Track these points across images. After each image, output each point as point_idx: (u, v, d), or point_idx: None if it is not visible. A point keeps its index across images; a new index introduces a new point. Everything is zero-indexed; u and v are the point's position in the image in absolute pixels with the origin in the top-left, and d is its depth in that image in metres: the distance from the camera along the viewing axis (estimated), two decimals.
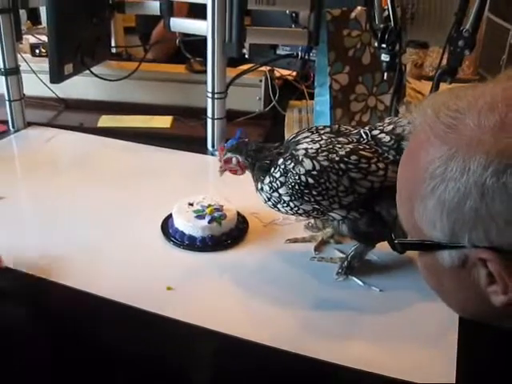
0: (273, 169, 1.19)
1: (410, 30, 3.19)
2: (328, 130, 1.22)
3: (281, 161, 1.18)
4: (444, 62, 1.62)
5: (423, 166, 0.61)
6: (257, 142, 1.28)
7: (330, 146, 1.15)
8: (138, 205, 1.53)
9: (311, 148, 1.15)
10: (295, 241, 1.38)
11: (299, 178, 1.13)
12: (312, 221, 1.42)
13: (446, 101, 0.62)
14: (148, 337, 1.09)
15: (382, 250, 1.29)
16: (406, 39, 2.07)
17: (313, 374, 1.04)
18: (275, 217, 1.45)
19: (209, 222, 1.34)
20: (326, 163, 1.13)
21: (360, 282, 1.24)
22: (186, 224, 1.35)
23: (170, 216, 1.41)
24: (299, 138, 1.21)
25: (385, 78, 1.64)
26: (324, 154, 1.14)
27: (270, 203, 1.22)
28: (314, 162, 1.13)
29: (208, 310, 1.16)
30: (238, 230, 1.40)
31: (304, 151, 1.15)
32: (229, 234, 1.37)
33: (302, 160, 1.14)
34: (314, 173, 1.13)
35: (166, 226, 1.40)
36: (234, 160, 1.26)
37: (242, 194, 1.44)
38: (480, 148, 0.56)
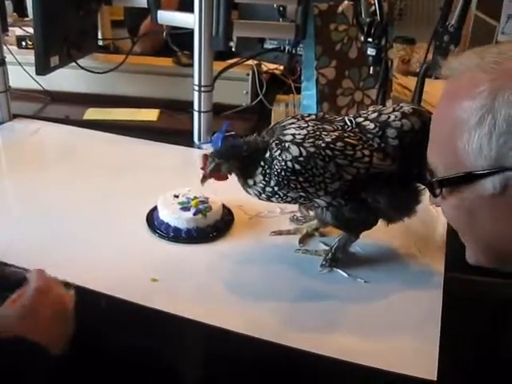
0: (262, 162, 1.17)
1: (398, 26, 3.21)
2: (313, 117, 1.22)
3: (268, 154, 1.17)
4: (430, 57, 1.63)
5: (468, 103, 0.65)
6: (245, 140, 1.23)
7: (317, 133, 1.15)
8: (123, 197, 1.53)
9: (299, 134, 1.15)
10: (280, 233, 1.38)
11: (285, 164, 1.13)
12: (297, 214, 1.43)
13: (487, 48, 0.68)
14: (133, 328, 1.09)
15: (366, 242, 1.30)
16: (393, 34, 2.08)
17: (298, 364, 1.05)
18: (260, 209, 1.46)
19: (194, 214, 1.35)
20: (312, 149, 1.13)
21: (345, 274, 1.24)
22: (171, 216, 1.35)
23: (155, 208, 1.41)
24: (285, 123, 1.20)
25: (371, 72, 1.65)
26: (310, 140, 1.14)
27: (264, 196, 1.21)
28: (301, 148, 1.13)
29: (193, 301, 1.16)
30: (223, 222, 1.40)
31: (291, 137, 1.15)
32: (214, 226, 1.37)
33: (289, 146, 1.14)
34: (301, 159, 1.12)
35: (152, 218, 1.40)
36: (223, 168, 1.22)
37: (227, 186, 1.44)
38: None
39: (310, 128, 1.16)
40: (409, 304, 1.17)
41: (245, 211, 1.46)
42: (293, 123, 1.19)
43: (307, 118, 1.21)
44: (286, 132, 1.17)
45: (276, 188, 1.17)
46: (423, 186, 1.20)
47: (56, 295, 0.91)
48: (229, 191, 1.43)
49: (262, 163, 1.17)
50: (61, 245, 1.32)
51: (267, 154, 1.17)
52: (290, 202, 1.22)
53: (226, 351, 1.06)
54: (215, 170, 1.22)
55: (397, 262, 1.30)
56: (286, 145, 1.14)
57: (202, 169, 1.23)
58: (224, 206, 1.43)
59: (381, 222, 1.24)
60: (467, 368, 1.03)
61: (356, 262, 1.28)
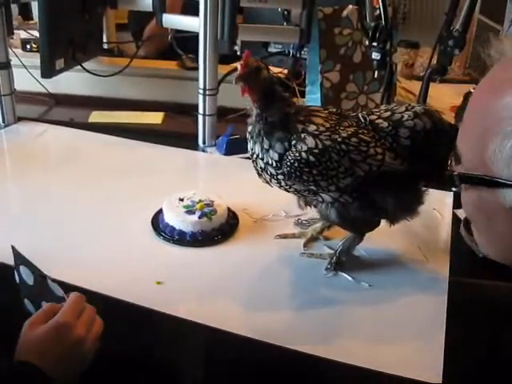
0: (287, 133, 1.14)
1: (402, 30, 3.21)
2: (334, 110, 1.21)
3: (281, 134, 1.13)
4: (434, 61, 1.63)
5: (509, 101, 0.59)
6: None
7: (336, 127, 1.15)
8: (128, 200, 1.53)
9: (322, 126, 1.14)
10: (285, 237, 1.38)
11: (300, 155, 1.11)
12: (302, 217, 1.43)
13: None
14: (137, 330, 1.09)
15: (370, 245, 1.30)
16: (397, 38, 2.09)
17: (302, 367, 1.05)
18: (265, 213, 1.46)
19: (199, 217, 1.35)
20: (328, 143, 1.12)
21: (349, 278, 1.24)
22: (176, 219, 1.35)
23: (160, 211, 1.41)
24: (311, 109, 1.19)
25: (375, 76, 1.65)
26: (327, 133, 1.13)
27: (260, 162, 1.17)
28: (317, 140, 1.12)
29: (197, 304, 1.16)
30: (228, 225, 1.40)
31: (316, 127, 1.13)
32: (219, 230, 1.37)
33: (305, 137, 1.12)
34: (316, 151, 1.11)
35: (157, 221, 1.40)
36: (262, 76, 1.14)
37: (232, 189, 1.45)
38: None
39: (332, 122, 1.16)
40: (413, 308, 1.17)
41: (250, 214, 1.46)
42: (319, 111, 1.18)
43: (331, 110, 1.20)
44: (313, 119, 1.15)
45: (285, 179, 1.15)
46: (426, 187, 1.20)
47: (76, 336, 0.91)
48: (234, 194, 1.44)
49: (288, 134, 1.13)
50: (65, 247, 1.32)
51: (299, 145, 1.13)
52: (291, 193, 1.21)
53: (229, 354, 1.07)
54: (254, 72, 1.14)
55: (401, 266, 1.30)
56: (303, 135, 1.13)
57: (242, 66, 1.14)
58: (229, 210, 1.43)
59: (384, 225, 1.24)
60: (472, 372, 1.03)
61: (360, 266, 1.28)
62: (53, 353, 0.89)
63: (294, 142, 1.13)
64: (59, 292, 0.97)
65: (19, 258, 0.99)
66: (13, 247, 0.99)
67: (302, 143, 1.12)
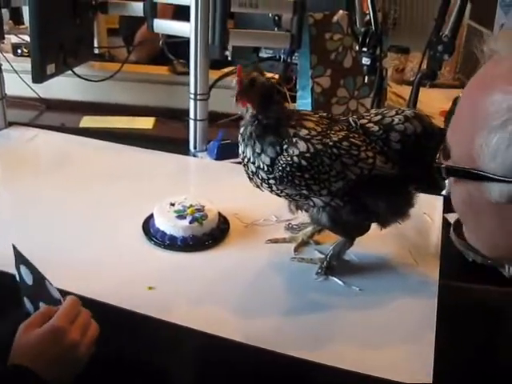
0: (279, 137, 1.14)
1: (392, 36, 3.22)
2: (325, 114, 1.22)
3: (272, 138, 1.14)
4: (424, 66, 1.64)
5: (498, 96, 0.60)
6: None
7: (327, 131, 1.15)
8: (119, 205, 1.53)
9: (314, 130, 1.14)
10: (276, 241, 1.38)
11: (291, 159, 1.12)
12: (293, 222, 1.43)
13: None
14: (128, 335, 1.09)
15: (361, 250, 1.31)
16: (388, 44, 2.10)
17: (293, 372, 1.05)
18: (256, 217, 1.46)
19: (190, 222, 1.35)
20: (319, 146, 1.12)
21: (340, 282, 1.25)
22: (167, 224, 1.35)
23: (151, 216, 1.41)
24: (305, 111, 1.20)
25: (366, 81, 1.66)
26: (318, 137, 1.13)
27: (262, 174, 1.17)
28: (309, 144, 1.12)
29: (188, 309, 1.16)
30: (219, 230, 1.40)
31: (307, 131, 1.14)
32: (210, 235, 1.38)
33: (297, 142, 1.13)
34: (308, 155, 1.12)
35: (148, 226, 1.40)
36: (258, 83, 1.13)
37: (223, 194, 1.45)
38: None
39: (323, 126, 1.16)
40: (404, 311, 1.18)
41: (240, 219, 1.46)
42: (310, 115, 1.19)
43: (321, 115, 1.21)
44: (304, 123, 1.16)
45: (276, 183, 1.15)
46: (416, 190, 1.21)
47: (70, 341, 0.91)
48: (225, 199, 1.44)
49: (280, 138, 1.14)
50: (56, 252, 1.31)
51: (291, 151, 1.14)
52: (283, 197, 1.21)
53: (220, 359, 1.06)
54: (250, 84, 1.13)
55: (392, 270, 1.31)
56: (294, 140, 1.13)
57: (238, 83, 1.14)
58: (220, 214, 1.43)
59: (374, 229, 1.25)
60: (462, 375, 1.03)
61: (351, 270, 1.29)
62: (47, 356, 0.89)
63: (285, 147, 1.13)
64: (56, 294, 0.98)
65: (20, 257, 0.99)
66: (14, 246, 0.99)
67: (293, 147, 1.12)
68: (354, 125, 1.19)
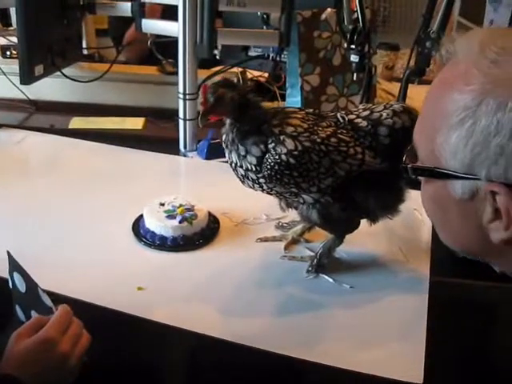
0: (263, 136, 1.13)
1: (383, 33, 3.22)
2: (311, 111, 1.21)
3: (258, 139, 1.14)
4: (413, 63, 1.64)
5: (456, 95, 0.62)
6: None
7: (314, 128, 1.15)
8: (109, 206, 1.53)
9: (300, 127, 1.14)
10: (266, 240, 1.38)
11: (280, 157, 1.11)
12: (283, 220, 1.43)
13: (493, 37, 0.64)
14: (119, 336, 1.09)
15: (351, 247, 1.31)
16: (376, 41, 2.10)
17: (284, 370, 1.05)
18: (246, 216, 1.46)
19: (180, 222, 1.35)
20: (307, 144, 1.12)
21: (330, 280, 1.25)
22: (157, 224, 1.35)
23: (141, 216, 1.41)
24: (288, 110, 1.20)
25: (354, 78, 1.66)
26: (306, 134, 1.13)
27: (251, 175, 1.16)
28: (296, 142, 1.12)
29: (179, 309, 1.16)
30: (209, 229, 1.40)
31: (293, 128, 1.13)
32: (200, 234, 1.37)
33: (284, 140, 1.12)
34: (296, 153, 1.11)
35: (137, 227, 1.40)
36: (226, 99, 1.13)
37: (213, 194, 1.45)
38: None
39: (310, 122, 1.16)
40: (394, 308, 1.18)
41: (230, 218, 1.46)
42: (295, 112, 1.19)
43: (306, 111, 1.20)
44: (289, 121, 1.15)
45: (266, 182, 1.15)
46: (407, 185, 1.21)
47: (61, 352, 0.90)
48: (214, 198, 1.44)
49: (262, 137, 1.14)
50: (46, 254, 1.31)
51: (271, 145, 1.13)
52: (274, 195, 1.21)
53: (211, 358, 1.06)
54: (216, 102, 1.13)
55: (382, 267, 1.31)
56: (281, 138, 1.12)
57: (203, 104, 1.16)
58: (210, 214, 1.43)
59: (364, 226, 1.25)
60: (453, 371, 1.04)
61: (341, 268, 1.29)
62: (37, 367, 0.89)
63: (272, 145, 1.12)
64: (48, 303, 0.97)
65: (14, 264, 0.99)
66: (8, 253, 0.99)
67: (281, 146, 1.12)
68: (342, 120, 1.18)
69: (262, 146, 1.13)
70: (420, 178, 0.73)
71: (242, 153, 1.15)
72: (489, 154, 0.60)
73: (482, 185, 0.62)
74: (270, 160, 1.12)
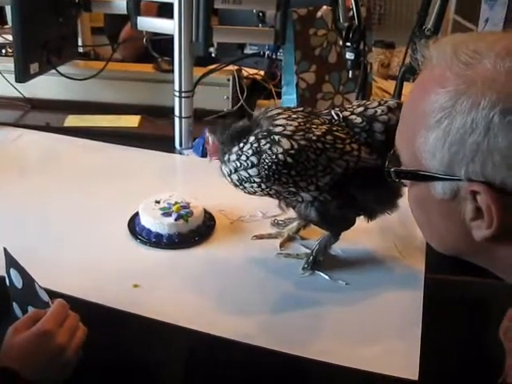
0: (242, 144, 1.16)
1: (379, 31, 3.22)
2: (300, 109, 1.21)
3: (252, 138, 1.15)
4: (408, 60, 1.65)
5: (432, 97, 0.64)
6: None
7: (308, 125, 1.15)
8: (105, 203, 1.53)
9: (289, 125, 1.14)
10: (261, 237, 1.38)
11: (276, 157, 1.11)
12: (278, 218, 1.43)
13: (466, 41, 0.66)
14: (114, 334, 1.09)
15: (346, 244, 1.31)
16: (372, 39, 2.10)
17: (281, 367, 1.05)
18: (242, 214, 1.46)
19: (175, 220, 1.34)
20: (303, 142, 1.12)
21: (326, 277, 1.25)
22: (153, 221, 1.35)
23: (136, 214, 1.41)
24: (272, 113, 1.19)
25: (350, 76, 1.66)
26: (300, 133, 1.13)
27: (234, 176, 1.18)
28: (292, 141, 1.12)
29: (174, 306, 1.16)
30: (205, 227, 1.40)
31: (282, 128, 1.13)
32: (196, 231, 1.37)
33: (279, 140, 1.12)
34: (293, 152, 1.11)
35: (133, 224, 1.40)
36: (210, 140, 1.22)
37: (208, 191, 1.45)
38: (493, 87, 0.60)
39: (300, 120, 1.16)
40: (390, 305, 1.18)
41: (226, 216, 1.46)
42: (280, 113, 1.18)
43: (294, 110, 1.20)
44: (276, 123, 1.15)
45: (262, 182, 1.15)
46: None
47: (58, 344, 0.91)
48: (210, 196, 1.44)
49: (242, 149, 1.15)
50: (42, 251, 1.31)
51: (251, 139, 1.15)
52: (272, 196, 1.21)
53: (207, 356, 1.07)
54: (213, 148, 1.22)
55: (378, 264, 1.31)
56: (276, 138, 1.12)
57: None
58: (205, 211, 1.43)
59: (360, 223, 1.25)
60: (448, 367, 1.04)
61: (337, 265, 1.29)
62: (34, 359, 0.89)
63: (268, 146, 1.12)
64: (45, 297, 0.97)
65: (10, 260, 0.99)
66: (5, 250, 0.99)
67: (277, 145, 1.12)
68: (336, 118, 1.18)
69: (255, 146, 1.13)
70: (403, 181, 0.74)
71: (226, 158, 1.17)
72: (465, 152, 0.62)
73: (462, 185, 0.64)
74: (267, 160, 1.12)
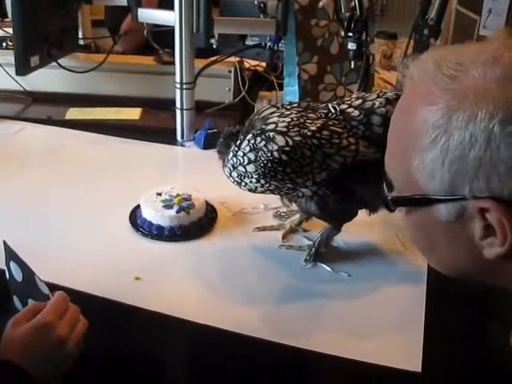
0: (239, 141, 1.16)
1: (381, 22, 3.21)
2: (295, 105, 1.20)
3: (250, 136, 1.15)
4: (410, 51, 1.64)
5: (423, 117, 0.61)
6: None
7: (301, 121, 1.13)
8: (106, 196, 1.52)
9: (282, 121, 1.13)
10: (264, 229, 1.38)
11: (271, 154, 1.10)
12: (280, 209, 1.43)
13: (446, 55, 0.63)
14: (116, 326, 1.09)
15: (349, 236, 1.30)
16: (374, 29, 2.09)
17: (283, 359, 1.05)
18: (244, 205, 1.46)
19: (177, 212, 1.34)
20: (298, 138, 1.11)
21: (328, 268, 1.25)
22: (154, 214, 1.35)
23: (138, 206, 1.40)
24: (265, 114, 1.18)
25: (352, 67, 1.65)
26: (295, 129, 1.12)
27: (234, 173, 1.18)
28: (287, 137, 1.11)
29: (176, 299, 1.16)
30: (206, 219, 1.40)
31: (274, 125, 1.13)
32: (197, 224, 1.37)
33: (274, 137, 1.11)
34: (287, 149, 1.10)
35: (134, 217, 1.39)
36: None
37: (210, 183, 1.44)
38: (487, 97, 0.57)
39: (293, 116, 1.15)
40: (393, 297, 1.18)
41: (228, 208, 1.46)
42: (273, 112, 1.18)
43: (288, 106, 1.19)
44: (268, 122, 1.15)
45: (260, 178, 1.14)
46: None
47: (58, 336, 0.90)
48: (212, 188, 1.44)
49: (240, 146, 1.16)
50: (44, 244, 1.31)
51: (249, 136, 1.15)
52: (272, 192, 1.20)
53: (209, 348, 1.06)
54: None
55: (380, 256, 1.31)
56: (271, 135, 1.11)
57: None
58: (207, 203, 1.42)
59: (362, 215, 1.24)
60: (451, 359, 1.03)
61: (339, 257, 1.29)
62: (34, 351, 0.89)
63: (263, 143, 1.12)
64: (45, 290, 0.97)
65: (10, 253, 0.98)
66: (5, 242, 0.98)
67: (272, 143, 1.11)
68: (333, 111, 1.17)
69: (252, 142, 1.13)
70: (402, 208, 0.71)
71: (226, 161, 1.18)
72: (467, 168, 0.58)
73: (468, 203, 0.60)
74: (262, 158, 1.11)
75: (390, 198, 0.70)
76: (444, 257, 0.70)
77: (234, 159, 1.16)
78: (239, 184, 1.19)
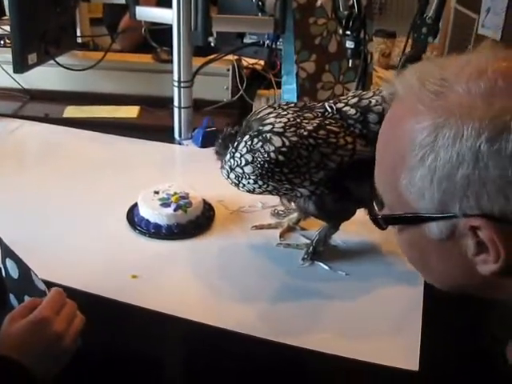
0: (236, 143, 1.16)
1: (380, 21, 3.20)
2: (291, 105, 1.20)
3: (247, 137, 1.15)
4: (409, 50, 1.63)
5: (409, 135, 0.60)
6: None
7: (298, 121, 1.13)
8: (104, 194, 1.52)
9: (279, 122, 1.13)
10: (261, 227, 1.38)
11: (268, 155, 1.10)
12: (278, 208, 1.42)
13: (430, 70, 0.61)
14: (113, 325, 1.09)
15: (346, 235, 1.30)
16: (373, 28, 2.08)
17: (280, 358, 1.04)
18: (241, 204, 1.46)
19: (174, 210, 1.34)
20: (295, 139, 1.10)
21: (326, 267, 1.24)
22: (152, 212, 1.34)
23: (135, 204, 1.40)
24: (261, 115, 1.18)
25: (350, 65, 1.64)
26: (292, 129, 1.12)
27: (232, 175, 1.18)
28: (283, 138, 1.10)
29: (173, 297, 1.16)
30: (204, 217, 1.39)
31: (271, 126, 1.13)
32: (195, 222, 1.37)
33: (271, 138, 1.11)
34: (284, 149, 1.10)
35: (132, 215, 1.39)
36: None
37: (208, 181, 1.44)
38: (473, 114, 0.56)
39: (289, 116, 1.14)
40: (390, 296, 1.17)
41: (226, 206, 1.46)
42: (270, 113, 1.17)
43: (285, 106, 1.19)
44: (265, 122, 1.15)
45: (258, 179, 1.14)
46: None
47: (55, 331, 0.90)
48: (209, 186, 1.43)
49: (237, 148, 1.15)
50: (41, 242, 1.31)
51: (246, 137, 1.15)
52: (271, 192, 1.20)
53: (207, 346, 1.06)
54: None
55: (378, 255, 1.30)
56: (268, 136, 1.11)
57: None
58: (205, 202, 1.42)
59: (360, 214, 1.24)
60: (448, 358, 1.03)
61: (337, 255, 1.28)
62: (31, 347, 0.89)
63: (260, 144, 1.12)
64: (42, 286, 0.97)
65: (6, 250, 0.98)
66: (0, 239, 0.98)
67: (268, 144, 1.11)
68: (330, 110, 1.16)
69: (248, 143, 1.13)
70: (393, 226, 0.70)
71: (223, 163, 1.18)
72: (456, 187, 0.57)
73: (459, 221, 0.59)
74: (259, 159, 1.11)
75: (380, 216, 0.69)
76: (438, 273, 0.69)
77: (232, 161, 1.16)
78: (237, 185, 1.19)
